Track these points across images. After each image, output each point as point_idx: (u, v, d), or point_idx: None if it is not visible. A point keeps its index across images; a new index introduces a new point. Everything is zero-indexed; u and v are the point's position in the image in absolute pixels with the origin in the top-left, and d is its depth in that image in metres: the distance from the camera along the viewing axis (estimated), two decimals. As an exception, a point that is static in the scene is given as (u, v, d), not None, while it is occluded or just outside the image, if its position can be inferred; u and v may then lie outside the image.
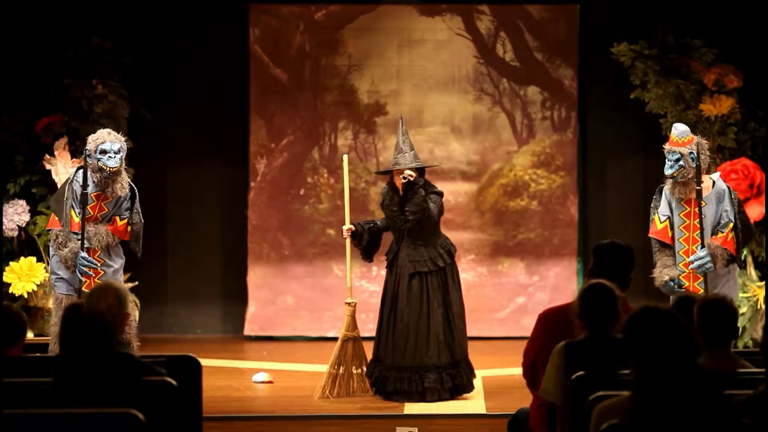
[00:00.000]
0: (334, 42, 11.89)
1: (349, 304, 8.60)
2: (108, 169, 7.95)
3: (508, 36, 11.89)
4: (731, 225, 7.70)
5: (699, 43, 10.76)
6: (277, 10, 11.86)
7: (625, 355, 4.06)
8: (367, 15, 11.90)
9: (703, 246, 7.69)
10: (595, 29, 11.64)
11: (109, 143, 7.99)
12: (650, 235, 8.00)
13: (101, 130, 8.22)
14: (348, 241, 8.59)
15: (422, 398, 8.17)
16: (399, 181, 8.33)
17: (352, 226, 8.56)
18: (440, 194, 8.42)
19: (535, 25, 11.88)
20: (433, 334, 8.22)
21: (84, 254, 7.92)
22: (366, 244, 8.57)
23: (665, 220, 7.87)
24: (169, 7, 11.69)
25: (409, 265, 8.29)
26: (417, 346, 8.20)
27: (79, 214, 8.00)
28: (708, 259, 7.66)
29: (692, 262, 7.73)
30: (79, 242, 7.98)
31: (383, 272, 8.80)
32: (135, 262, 9.07)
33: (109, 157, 7.96)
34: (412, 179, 8.23)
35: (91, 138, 8.09)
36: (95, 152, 7.98)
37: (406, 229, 8.30)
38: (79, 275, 7.96)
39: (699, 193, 7.75)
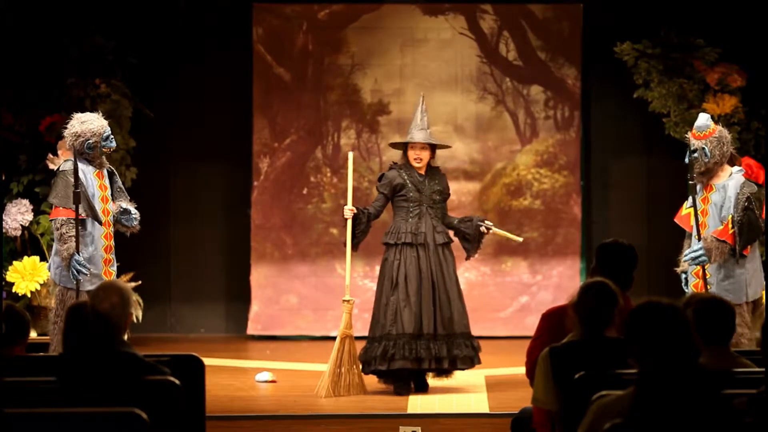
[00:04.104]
0: (337, 41, 11.89)
1: (347, 301, 8.61)
2: (110, 150, 8.11)
3: (511, 35, 11.89)
4: (731, 217, 7.73)
5: (702, 43, 10.76)
6: (280, 10, 11.86)
7: (626, 351, 4.03)
8: (371, 14, 11.90)
9: (699, 240, 7.76)
10: (599, 28, 11.64)
11: (108, 128, 8.08)
12: (674, 219, 8.08)
13: (90, 115, 8.08)
14: (349, 223, 8.61)
15: (472, 363, 8.58)
16: (412, 156, 8.63)
17: (354, 208, 8.65)
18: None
19: (539, 24, 11.88)
20: (460, 301, 8.68)
21: (78, 257, 7.74)
22: (363, 228, 8.68)
23: (690, 207, 7.92)
24: (172, 6, 11.69)
25: (438, 236, 8.62)
26: (452, 313, 8.55)
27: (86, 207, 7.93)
28: (701, 252, 7.70)
29: (687, 256, 7.80)
30: (91, 239, 7.89)
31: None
32: (139, 261, 9.07)
33: (112, 139, 8.08)
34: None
35: (91, 127, 7.93)
36: (105, 140, 8.02)
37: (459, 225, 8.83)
38: (72, 277, 7.84)
39: (693, 188, 7.79)
